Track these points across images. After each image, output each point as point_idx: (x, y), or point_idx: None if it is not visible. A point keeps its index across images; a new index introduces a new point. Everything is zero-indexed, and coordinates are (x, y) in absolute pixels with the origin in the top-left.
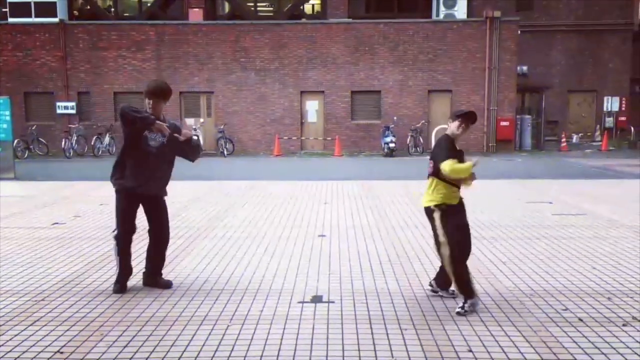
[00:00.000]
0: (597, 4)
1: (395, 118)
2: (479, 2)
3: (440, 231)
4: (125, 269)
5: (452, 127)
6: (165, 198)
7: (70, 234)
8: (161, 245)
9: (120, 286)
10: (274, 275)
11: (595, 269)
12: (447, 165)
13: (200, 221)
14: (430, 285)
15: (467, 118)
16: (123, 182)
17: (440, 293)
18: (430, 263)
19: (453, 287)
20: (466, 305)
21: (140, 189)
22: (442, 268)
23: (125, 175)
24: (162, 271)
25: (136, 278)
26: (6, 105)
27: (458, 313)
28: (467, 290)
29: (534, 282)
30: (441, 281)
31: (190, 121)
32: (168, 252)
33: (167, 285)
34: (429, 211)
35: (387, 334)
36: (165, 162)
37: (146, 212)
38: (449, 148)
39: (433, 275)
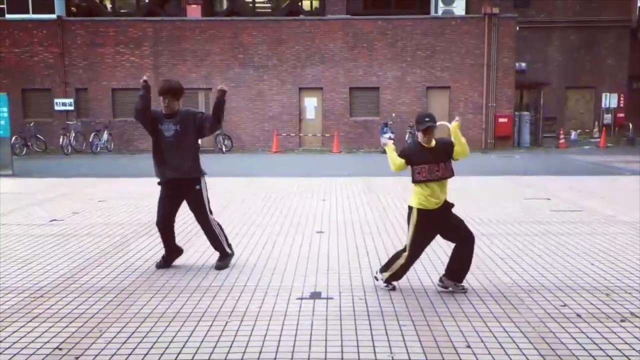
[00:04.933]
0: (594, 1)
1: (393, 115)
2: None
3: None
4: (169, 252)
5: (419, 137)
6: (199, 187)
7: (69, 231)
8: (202, 229)
9: (163, 262)
10: (273, 272)
11: (594, 265)
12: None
13: None
14: (441, 281)
15: (426, 131)
16: (158, 175)
17: (450, 288)
18: (429, 259)
19: (464, 283)
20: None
21: (164, 177)
22: (452, 259)
23: (156, 168)
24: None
25: (135, 274)
26: (4, 101)
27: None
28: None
29: (532, 278)
30: (453, 274)
31: None
32: None
33: (218, 267)
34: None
35: (386, 330)
36: (182, 149)
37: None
38: (404, 153)
39: (431, 271)
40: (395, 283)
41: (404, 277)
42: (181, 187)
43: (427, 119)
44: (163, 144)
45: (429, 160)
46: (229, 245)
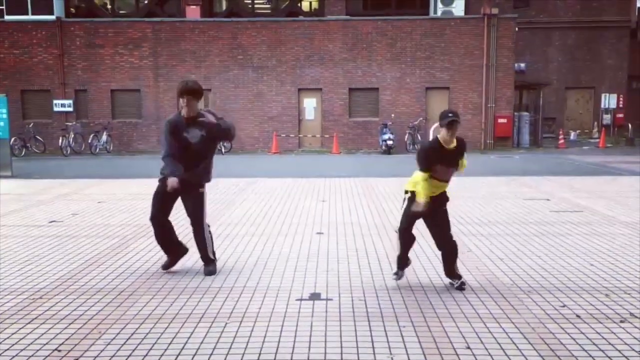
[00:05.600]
0: (594, 1)
1: (393, 115)
2: None
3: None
4: (169, 251)
5: (443, 133)
6: (202, 190)
7: (68, 232)
8: (194, 232)
9: (169, 262)
10: (272, 273)
11: (593, 266)
12: (418, 177)
13: None
14: (451, 283)
15: (451, 125)
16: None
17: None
18: (428, 260)
19: (461, 280)
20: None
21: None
22: (445, 257)
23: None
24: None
25: (134, 275)
26: (3, 103)
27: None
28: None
29: (531, 278)
30: (446, 270)
31: None
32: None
33: (208, 272)
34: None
35: (386, 331)
36: (204, 153)
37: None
38: (428, 156)
39: (431, 272)
40: (402, 278)
41: (404, 278)
42: (184, 187)
43: (450, 114)
44: (190, 150)
45: (445, 164)
46: (213, 252)
